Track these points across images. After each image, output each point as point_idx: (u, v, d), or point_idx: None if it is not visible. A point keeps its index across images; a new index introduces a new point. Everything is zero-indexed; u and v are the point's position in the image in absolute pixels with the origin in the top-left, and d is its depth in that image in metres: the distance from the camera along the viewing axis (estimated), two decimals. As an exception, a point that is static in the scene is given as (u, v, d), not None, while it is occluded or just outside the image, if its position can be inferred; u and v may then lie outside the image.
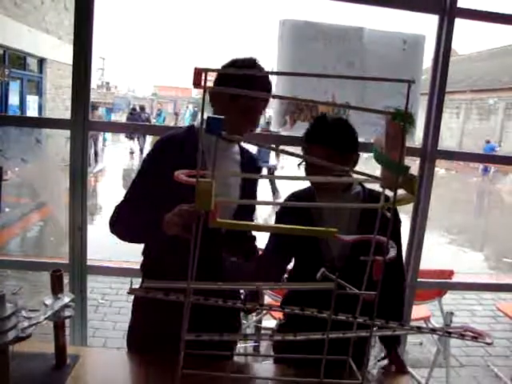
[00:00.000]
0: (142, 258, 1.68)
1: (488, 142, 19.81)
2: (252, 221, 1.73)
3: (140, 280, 1.65)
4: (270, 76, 1.57)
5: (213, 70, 0.88)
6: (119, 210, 1.57)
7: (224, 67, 1.51)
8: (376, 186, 1.56)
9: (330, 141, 1.52)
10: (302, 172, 1.60)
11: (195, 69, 0.85)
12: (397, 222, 1.62)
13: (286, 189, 1.76)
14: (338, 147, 1.52)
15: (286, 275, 1.80)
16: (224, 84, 1.37)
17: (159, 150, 1.56)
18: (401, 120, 0.86)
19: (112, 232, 1.58)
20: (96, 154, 13.70)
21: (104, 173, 12.29)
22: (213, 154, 0.95)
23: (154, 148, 1.58)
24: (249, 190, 1.65)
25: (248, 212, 1.68)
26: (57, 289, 1.40)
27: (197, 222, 0.99)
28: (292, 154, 1.04)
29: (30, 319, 1.26)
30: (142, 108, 16.83)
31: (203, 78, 0.85)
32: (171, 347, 1.21)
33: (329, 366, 1.22)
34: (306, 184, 1.73)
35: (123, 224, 1.57)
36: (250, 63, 1.51)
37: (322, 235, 1.52)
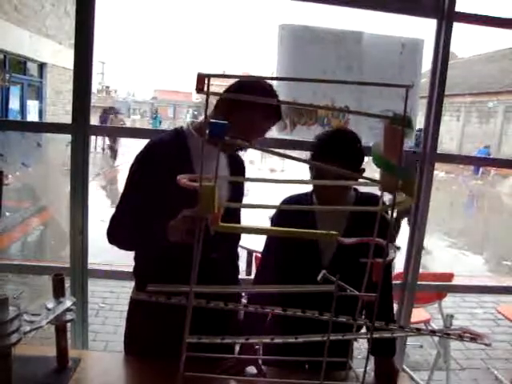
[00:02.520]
0: (134, 264, 1.69)
1: (487, 146, 19.88)
2: (239, 221, 1.74)
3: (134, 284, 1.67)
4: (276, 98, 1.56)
5: (216, 76, 0.89)
6: (116, 221, 1.57)
7: (235, 85, 1.51)
8: (370, 189, 1.57)
9: (344, 159, 1.52)
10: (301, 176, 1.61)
11: (198, 74, 0.86)
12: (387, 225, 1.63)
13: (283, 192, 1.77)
14: (350, 164, 1.53)
15: None
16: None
17: (146, 156, 1.55)
18: (399, 124, 0.87)
19: (110, 242, 1.58)
20: (115, 150, 14.62)
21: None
22: (202, 157, 0.96)
23: (140, 154, 1.56)
24: (237, 194, 1.66)
25: (235, 212, 1.69)
26: (58, 292, 1.41)
27: (200, 226, 1.00)
28: (295, 159, 1.05)
29: (32, 323, 1.27)
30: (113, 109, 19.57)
31: (206, 83, 0.86)
32: (170, 350, 1.22)
33: (319, 366, 1.23)
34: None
35: (123, 236, 1.57)
36: (260, 86, 1.50)
37: (322, 238, 1.54)
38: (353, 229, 1.55)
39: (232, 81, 1.54)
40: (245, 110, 1.44)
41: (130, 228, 1.53)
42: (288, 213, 1.63)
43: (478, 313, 4.66)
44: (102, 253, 2.59)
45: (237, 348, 1.67)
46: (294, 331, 1.27)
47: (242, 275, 2.93)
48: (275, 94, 1.52)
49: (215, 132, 0.88)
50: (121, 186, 1.66)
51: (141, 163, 1.55)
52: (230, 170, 1.65)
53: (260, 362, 1.60)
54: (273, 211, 1.81)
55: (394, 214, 1.01)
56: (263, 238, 1.81)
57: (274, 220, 1.72)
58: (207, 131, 0.89)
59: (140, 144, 1.66)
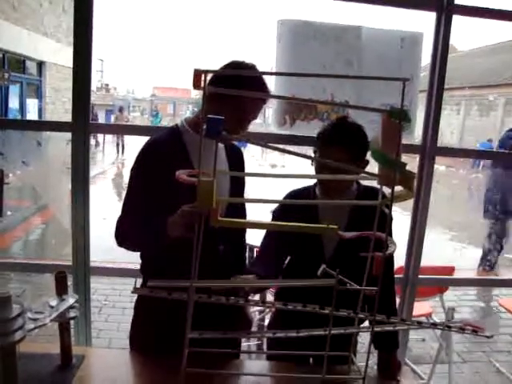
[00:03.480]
0: (141, 261, 1.69)
1: (489, 140, 19.87)
2: (245, 214, 1.75)
3: (141, 281, 1.67)
4: (266, 78, 1.57)
5: (212, 72, 0.89)
6: (121, 224, 1.58)
7: (223, 68, 1.52)
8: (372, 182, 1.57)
9: (350, 145, 1.54)
10: (304, 171, 1.61)
11: (195, 70, 0.86)
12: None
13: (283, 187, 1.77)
14: (355, 152, 1.54)
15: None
16: (220, 84, 1.36)
17: (144, 156, 1.56)
18: (397, 118, 0.87)
19: (120, 246, 1.59)
20: (121, 145, 15.46)
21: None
22: (201, 153, 0.96)
23: (139, 155, 1.57)
24: (237, 185, 1.66)
25: (239, 206, 1.70)
26: (61, 290, 1.42)
27: (199, 221, 1.00)
28: (296, 154, 1.05)
29: (35, 321, 1.27)
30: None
31: (203, 79, 0.86)
32: (175, 346, 1.23)
33: (318, 360, 1.23)
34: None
35: (128, 237, 1.58)
36: (248, 66, 1.52)
37: (323, 232, 1.54)
38: (355, 222, 1.55)
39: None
40: (235, 97, 1.41)
41: (135, 228, 1.54)
42: (290, 207, 1.63)
43: (480, 306, 4.67)
44: (105, 251, 2.60)
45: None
46: (298, 326, 1.28)
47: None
48: (259, 72, 1.53)
49: (212, 128, 0.89)
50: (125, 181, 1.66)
51: (140, 163, 1.56)
52: (229, 163, 1.66)
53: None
54: (274, 205, 1.81)
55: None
56: (264, 233, 1.81)
57: (276, 214, 1.72)
58: (204, 127, 0.89)
59: (141, 140, 1.66)
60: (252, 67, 1.52)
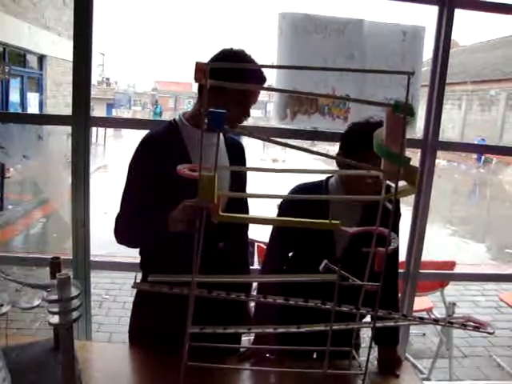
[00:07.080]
0: (140, 257, 1.68)
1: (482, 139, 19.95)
2: (248, 210, 1.73)
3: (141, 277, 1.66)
4: (266, 71, 1.55)
5: (214, 65, 0.88)
6: (120, 220, 1.57)
7: (213, 59, 1.49)
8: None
9: None
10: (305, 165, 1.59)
11: (197, 64, 0.85)
12: (397, 215, 1.63)
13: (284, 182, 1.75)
14: None
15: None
16: (214, 75, 1.33)
17: (142, 151, 1.54)
18: (401, 112, 0.86)
19: (119, 242, 1.58)
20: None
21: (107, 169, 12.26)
22: (200, 147, 0.95)
23: (136, 150, 1.55)
24: (238, 179, 1.64)
25: (241, 201, 1.68)
26: (56, 275, 1.43)
27: (201, 216, 0.99)
28: (300, 149, 1.04)
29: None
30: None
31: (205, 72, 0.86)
32: (174, 341, 1.22)
33: (322, 355, 1.23)
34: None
35: (127, 233, 1.57)
36: (240, 54, 1.49)
37: (325, 228, 1.53)
38: (368, 220, 1.53)
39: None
40: (231, 89, 1.39)
41: (134, 224, 1.53)
42: (300, 202, 1.61)
43: (481, 301, 4.67)
44: (106, 245, 2.59)
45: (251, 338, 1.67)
46: (302, 322, 1.27)
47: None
48: (253, 59, 1.51)
49: (214, 120, 0.88)
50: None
51: (138, 158, 1.55)
52: (230, 159, 1.64)
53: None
54: (276, 201, 1.79)
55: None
56: (266, 228, 1.79)
57: (284, 208, 1.69)
58: (206, 120, 0.88)
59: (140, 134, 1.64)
60: (241, 53, 1.49)
